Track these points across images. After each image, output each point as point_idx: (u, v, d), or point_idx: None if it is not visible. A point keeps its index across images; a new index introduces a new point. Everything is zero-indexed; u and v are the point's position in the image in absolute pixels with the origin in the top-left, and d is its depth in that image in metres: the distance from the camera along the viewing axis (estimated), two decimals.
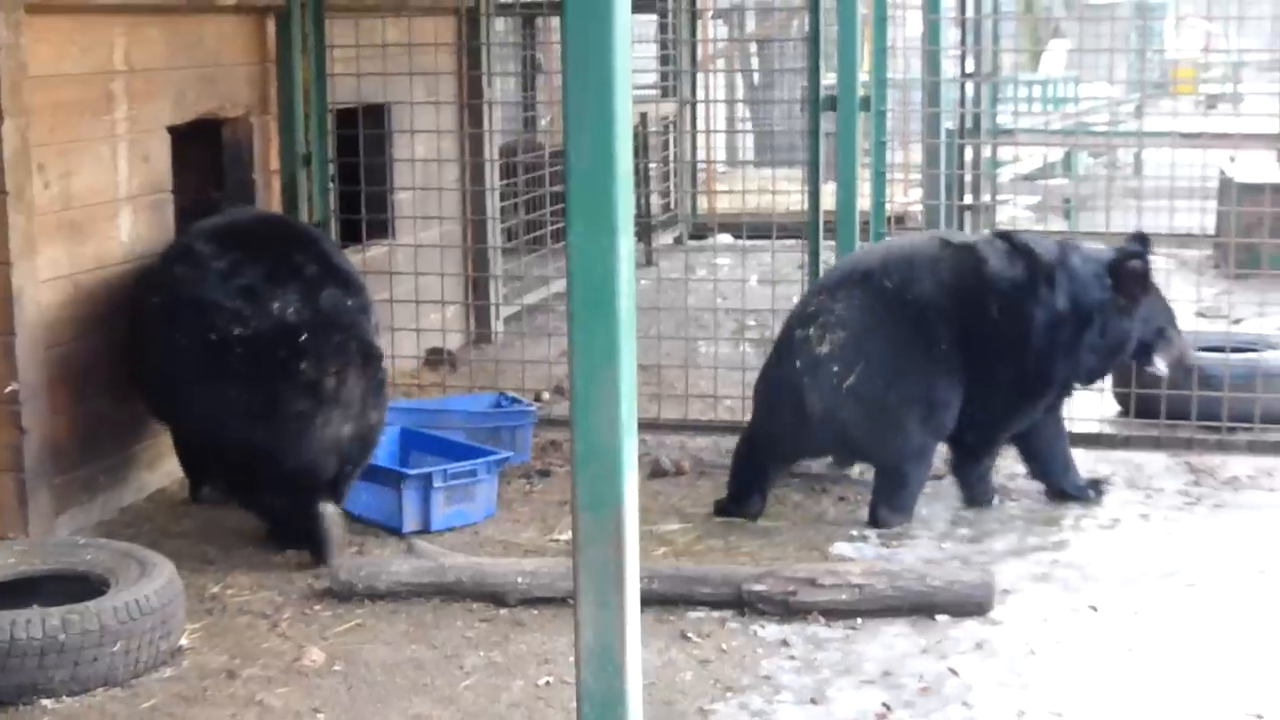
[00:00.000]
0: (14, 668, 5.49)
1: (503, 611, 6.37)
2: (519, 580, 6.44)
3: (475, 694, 5.65)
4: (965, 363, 7.33)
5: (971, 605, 6.31)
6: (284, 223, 8.21)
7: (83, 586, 5.92)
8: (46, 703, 5.53)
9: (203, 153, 8.70)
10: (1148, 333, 7.62)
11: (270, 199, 8.93)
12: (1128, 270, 7.45)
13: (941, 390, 7.32)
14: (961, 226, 12.38)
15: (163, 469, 7.93)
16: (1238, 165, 12.44)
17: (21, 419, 6.87)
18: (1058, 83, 21.01)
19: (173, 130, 8.09)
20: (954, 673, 5.79)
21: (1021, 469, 7.91)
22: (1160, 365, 7.75)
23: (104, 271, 7.49)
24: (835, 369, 7.25)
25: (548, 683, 5.71)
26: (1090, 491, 7.71)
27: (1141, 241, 7.61)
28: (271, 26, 8.86)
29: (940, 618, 6.26)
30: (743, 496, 7.51)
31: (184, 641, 6.02)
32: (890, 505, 7.38)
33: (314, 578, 6.70)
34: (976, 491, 7.65)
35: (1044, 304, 7.37)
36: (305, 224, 8.41)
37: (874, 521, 7.37)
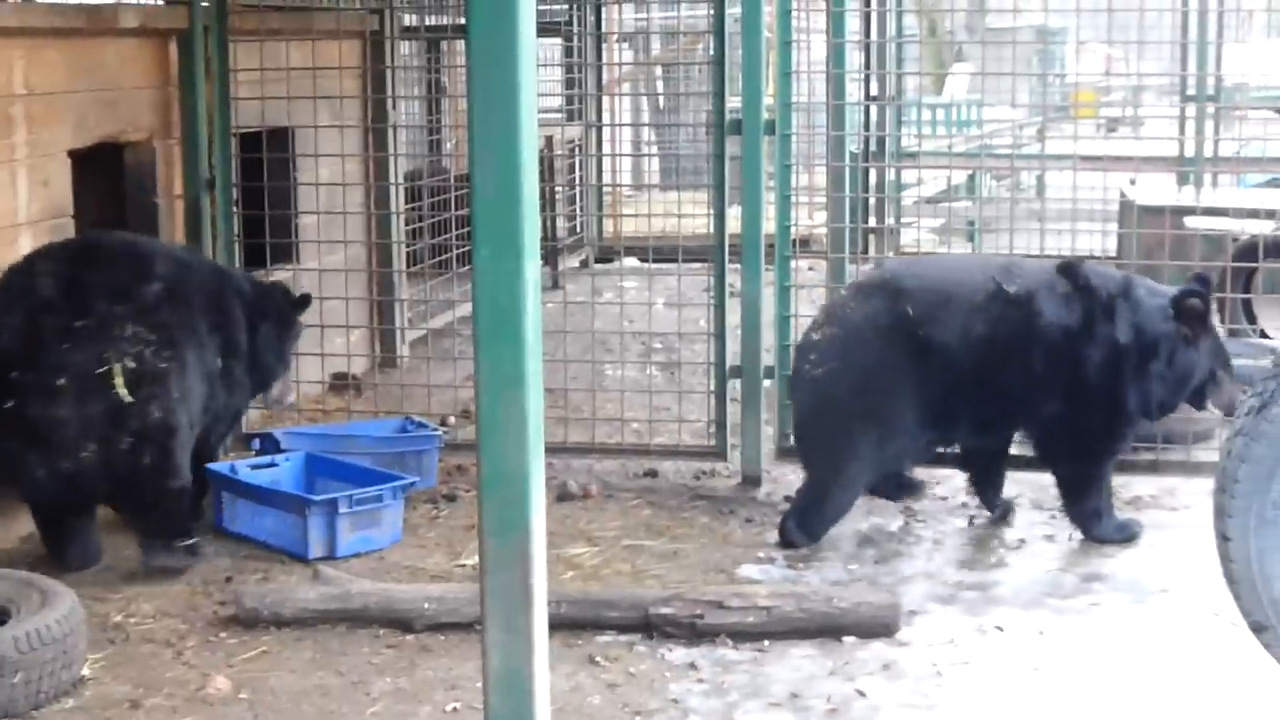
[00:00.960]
0: None
1: (409, 637, 6.34)
2: (426, 606, 6.42)
3: None
4: (1007, 403, 7.43)
5: (878, 627, 6.33)
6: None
7: None
8: None
9: (105, 177, 8.62)
10: (1203, 373, 7.53)
11: (174, 224, 8.86)
12: (1188, 308, 7.38)
13: (906, 424, 7.35)
14: (866, 250, 12.45)
15: None
16: (1138, 188, 12.55)
17: None
18: (961, 106, 21.16)
19: (73, 154, 8.02)
20: (861, 694, 5.81)
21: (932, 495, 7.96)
22: (1211, 407, 7.73)
23: None
24: (814, 358, 7.41)
25: (455, 709, 5.69)
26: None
27: (1202, 283, 7.54)
28: (174, 49, 8.80)
29: (847, 639, 6.28)
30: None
31: (86, 671, 5.96)
32: (802, 522, 7.40)
33: (219, 605, 6.64)
34: (1094, 528, 7.52)
35: (1101, 339, 7.35)
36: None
37: (782, 535, 7.38)
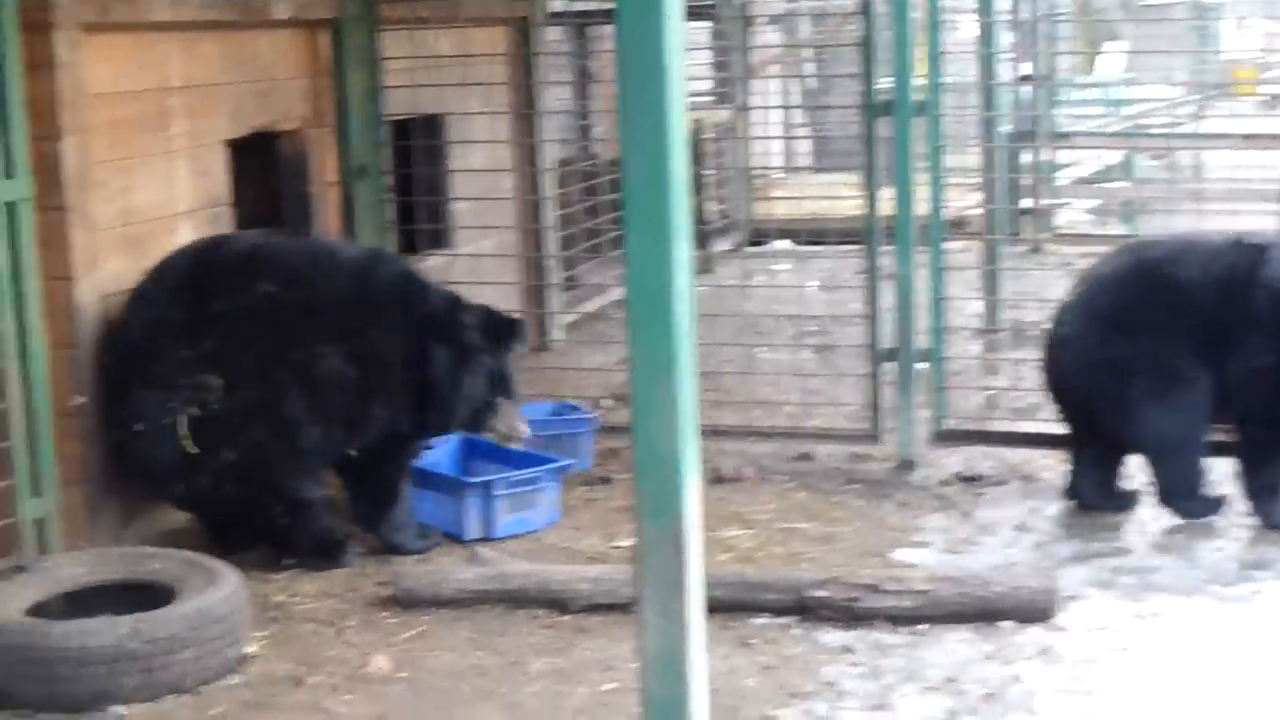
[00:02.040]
0: (86, 676, 5.55)
1: (566, 618, 6.38)
2: (582, 587, 6.45)
3: (539, 700, 5.67)
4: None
5: (1035, 612, 6.28)
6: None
7: (151, 595, 5.97)
8: (118, 709, 5.58)
9: (260, 166, 8.75)
10: None
11: (327, 212, 8.96)
12: None
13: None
14: (1019, 232, 12.34)
15: None
16: None
17: (87, 431, 6.93)
18: (1115, 85, 20.89)
19: (230, 144, 8.14)
20: (1018, 679, 5.77)
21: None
22: None
23: None
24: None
25: (612, 689, 5.72)
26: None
27: None
28: (325, 40, 8.90)
29: (1004, 624, 6.23)
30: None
31: (250, 649, 6.06)
32: (1177, 493, 7.44)
33: (379, 585, 6.72)
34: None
35: None
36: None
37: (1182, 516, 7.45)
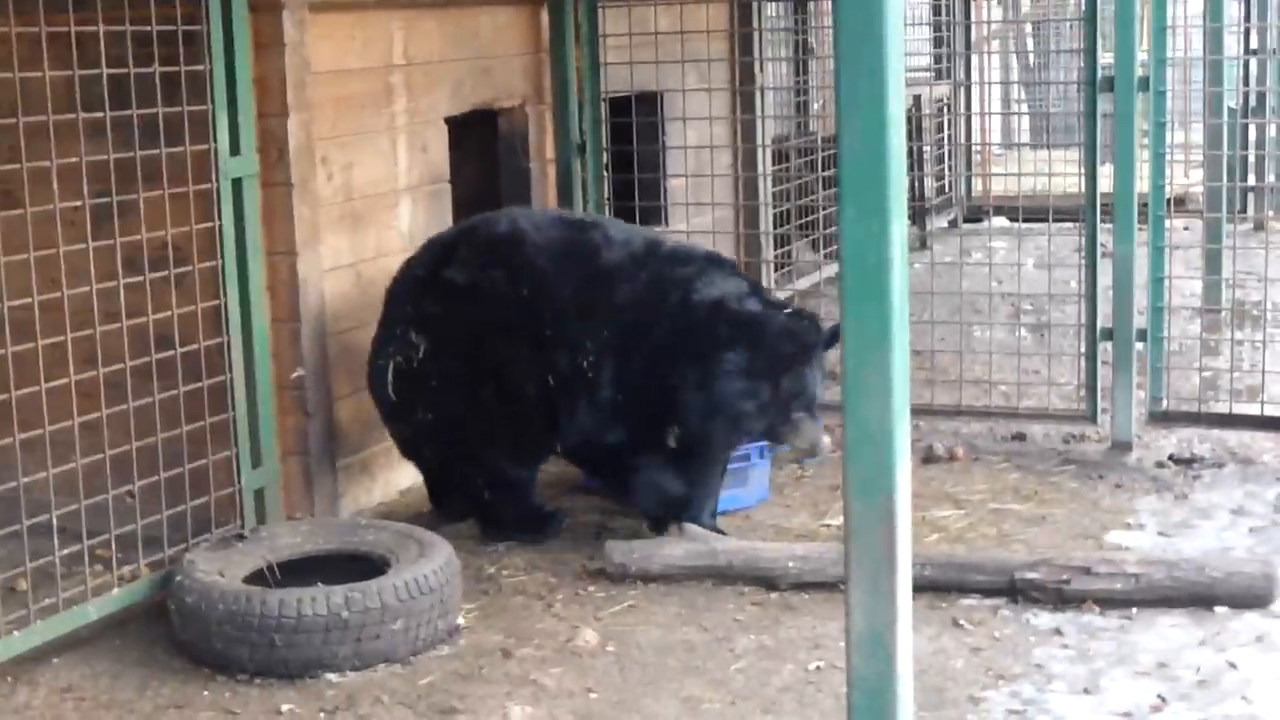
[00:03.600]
0: (300, 643, 5.68)
1: (773, 595, 6.40)
2: (790, 564, 6.47)
3: (746, 677, 5.69)
4: None
5: (1252, 598, 6.17)
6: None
7: (364, 566, 6.10)
8: (330, 676, 5.70)
9: (479, 143, 8.85)
10: None
11: (546, 188, 9.05)
12: None
13: None
14: (1244, 209, 12.07)
15: None
16: None
17: (307, 404, 7.09)
18: None
19: (450, 121, 8.25)
20: (1233, 666, 5.67)
21: None
22: None
23: (384, 260, 7.66)
24: None
25: (818, 667, 5.73)
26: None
27: None
28: (545, 17, 8.98)
29: (1219, 609, 6.13)
30: None
31: (461, 621, 6.16)
32: None
33: (587, 559, 6.79)
34: None
35: None
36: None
37: None
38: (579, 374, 6.81)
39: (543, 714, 5.42)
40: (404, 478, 7.81)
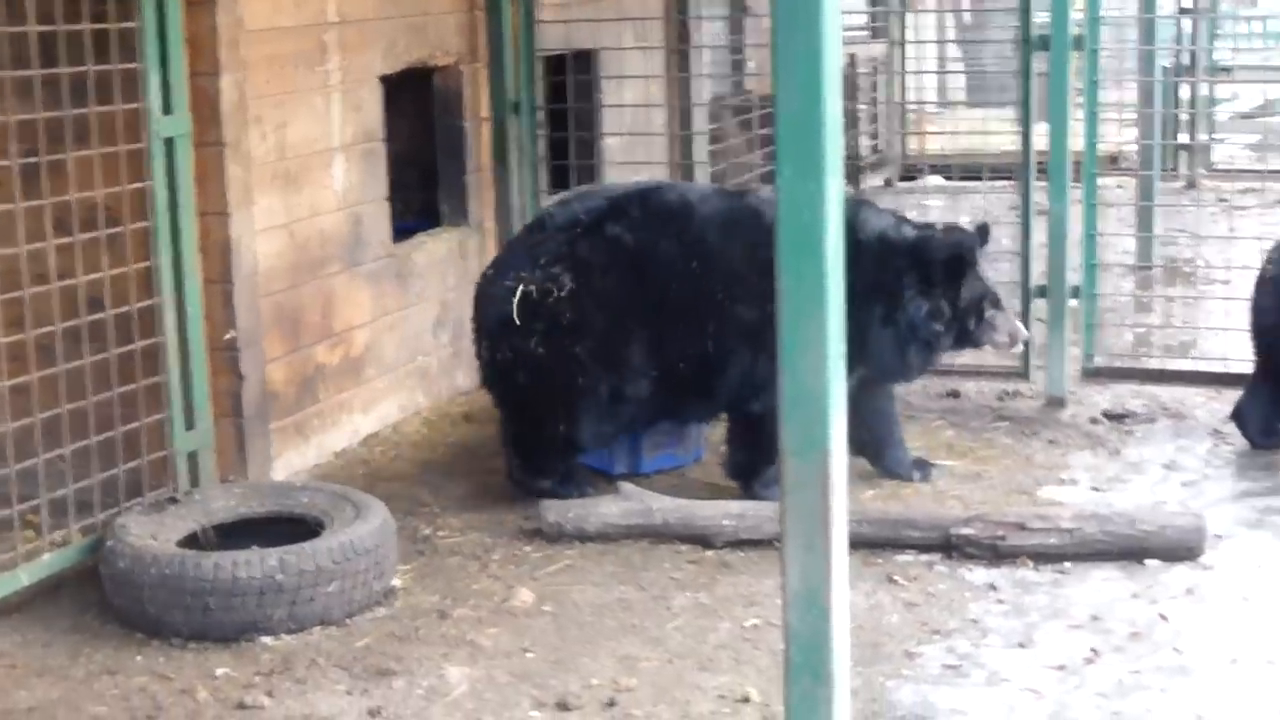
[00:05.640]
0: (235, 606, 5.66)
1: (710, 553, 6.41)
2: (726, 523, 6.48)
3: (682, 635, 5.70)
4: None
5: (1183, 550, 6.23)
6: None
7: (299, 528, 6.08)
8: (265, 640, 5.68)
9: (414, 101, 8.80)
10: None
11: (480, 146, 9.01)
12: None
13: None
14: (1176, 167, 12.14)
15: (375, 413, 8.08)
16: None
17: (240, 365, 7.04)
18: (1276, 17, 20.44)
19: (384, 79, 8.19)
20: (1164, 618, 5.73)
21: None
22: None
23: (318, 220, 7.62)
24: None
25: (755, 625, 5.74)
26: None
27: None
28: None
29: (1150, 563, 6.19)
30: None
31: (397, 582, 6.15)
32: None
33: (524, 519, 6.78)
34: None
35: None
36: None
37: None
38: (765, 323, 6.72)
39: (479, 674, 5.42)
40: (339, 439, 7.79)
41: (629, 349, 6.90)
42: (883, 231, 7.06)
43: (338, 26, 7.78)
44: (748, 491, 6.97)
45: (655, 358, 6.92)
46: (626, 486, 6.85)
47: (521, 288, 6.91)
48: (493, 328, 7.06)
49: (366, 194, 7.95)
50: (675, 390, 7.00)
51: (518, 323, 6.92)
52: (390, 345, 8.23)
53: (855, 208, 7.14)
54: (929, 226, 7.31)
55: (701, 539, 6.48)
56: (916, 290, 6.94)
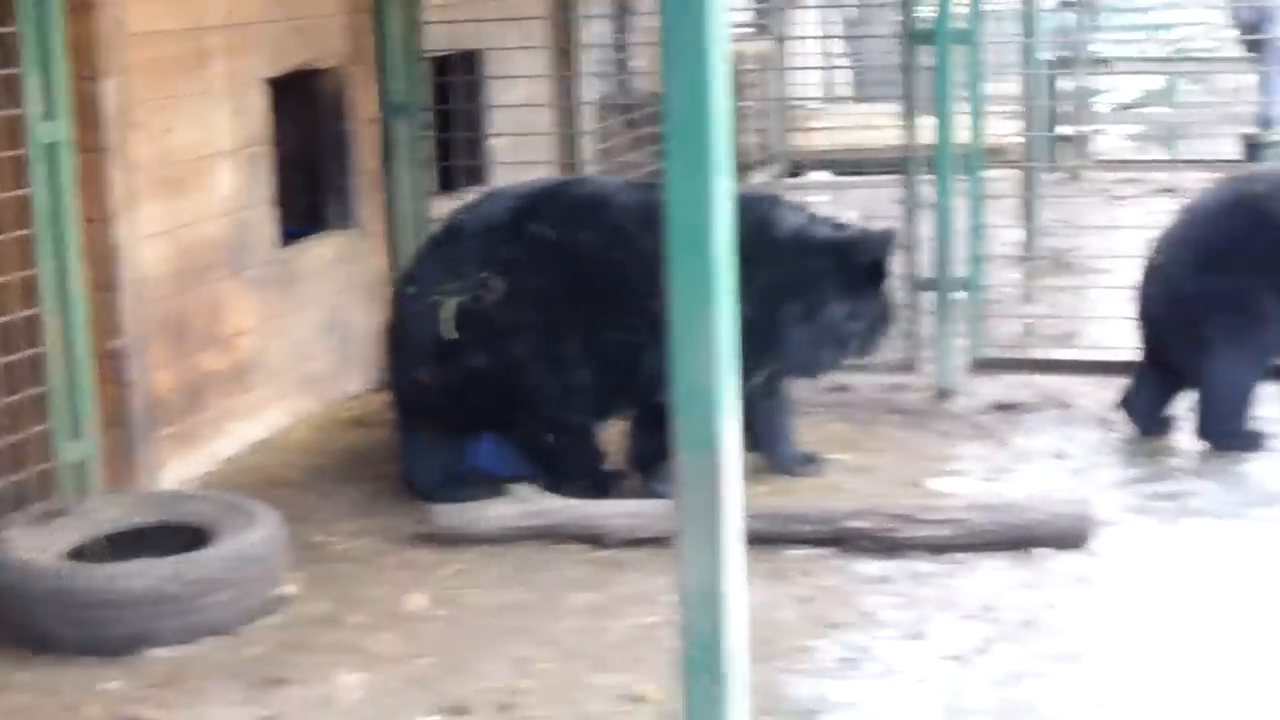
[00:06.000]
0: (124, 618, 5.58)
1: (604, 553, 6.41)
2: (620, 521, 6.48)
3: (577, 635, 5.70)
4: None
5: (1071, 538, 6.29)
6: None
7: (189, 537, 6.01)
8: (157, 651, 5.60)
9: (300, 104, 8.74)
10: None
11: (366, 149, 8.96)
12: None
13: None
14: (1058, 158, 12.26)
15: (264, 419, 8.02)
16: None
17: (125, 374, 6.96)
18: (1155, 9, 20.70)
19: (269, 83, 8.13)
20: (1053, 606, 5.79)
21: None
22: None
23: (204, 225, 7.55)
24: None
25: (650, 623, 5.74)
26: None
27: None
28: None
29: (1040, 551, 6.24)
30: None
31: (288, 590, 6.10)
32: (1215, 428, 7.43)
33: (417, 524, 6.75)
34: None
35: None
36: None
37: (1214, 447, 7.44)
38: None
39: (373, 680, 5.39)
40: (228, 446, 7.72)
41: (566, 345, 6.91)
42: (799, 229, 7.07)
43: (222, 30, 7.71)
44: (645, 487, 6.97)
45: (588, 351, 6.92)
46: (518, 488, 6.83)
47: (454, 301, 6.88)
48: (424, 349, 6.99)
49: (252, 199, 7.88)
50: (610, 382, 7.00)
51: (457, 337, 6.88)
52: (278, 351, 8.17)
53: (770, 205, 7.18)
54: (842, 225, 7.34)
55: (596, 539, 6.47)
56: (840, 290, 6.95)
